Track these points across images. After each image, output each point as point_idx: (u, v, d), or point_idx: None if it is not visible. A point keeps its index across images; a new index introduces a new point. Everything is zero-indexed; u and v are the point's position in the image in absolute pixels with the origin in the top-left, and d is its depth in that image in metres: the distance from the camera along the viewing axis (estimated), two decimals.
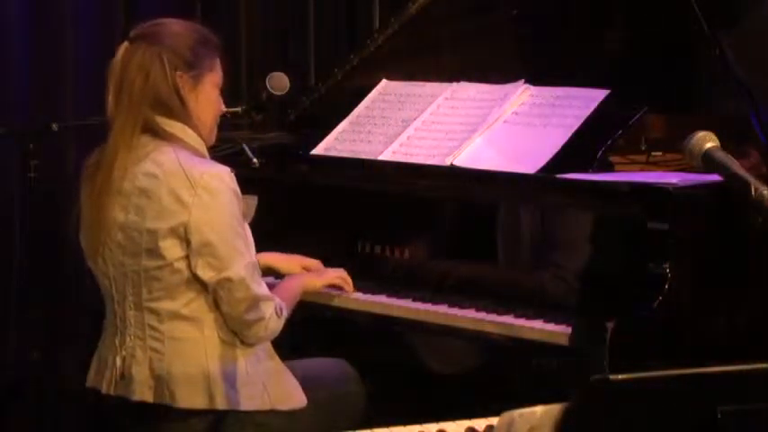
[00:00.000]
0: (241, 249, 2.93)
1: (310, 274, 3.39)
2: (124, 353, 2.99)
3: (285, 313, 3.02)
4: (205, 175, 2.90)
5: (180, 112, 2.96)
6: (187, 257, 2.90)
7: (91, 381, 3.09)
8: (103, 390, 3.02)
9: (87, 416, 3.99)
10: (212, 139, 3.09)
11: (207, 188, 2.89)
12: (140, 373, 2.96)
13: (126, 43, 2.98)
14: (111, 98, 2.97)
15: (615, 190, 3.12)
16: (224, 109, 3.11)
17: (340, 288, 3.41)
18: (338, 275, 3.40)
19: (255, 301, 2.93)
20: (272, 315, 2.96)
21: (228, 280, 2.90)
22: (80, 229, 3.02)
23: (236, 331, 2.97)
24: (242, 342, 2.98)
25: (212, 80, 3.02)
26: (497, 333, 3.14)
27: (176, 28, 3.00)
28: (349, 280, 3.41)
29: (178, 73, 2.95)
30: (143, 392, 2.96)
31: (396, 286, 3.40)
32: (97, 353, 3.09)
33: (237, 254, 2.92)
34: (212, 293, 2.93)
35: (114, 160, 2.93)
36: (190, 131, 2.99)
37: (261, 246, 3.03)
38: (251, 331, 2.96)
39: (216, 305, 2.95)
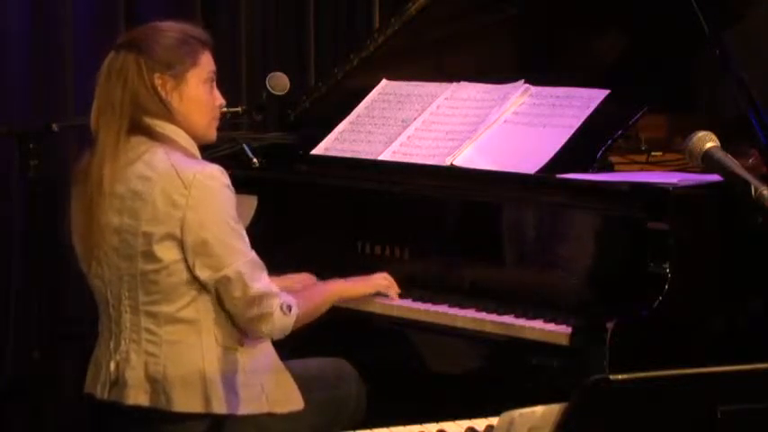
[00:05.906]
0: (238, 247, 2.92)
1: (347, 281, 3.30)
2: (118, 357, 2.97)
3: (295, 310, 2.96)
4: (198, 175, 2.88)
5: (163, 113, 2.95)
6: (184, 260, 2.89)
7: (88, 386, 3.07)
8: (98, 394, 3.01)
9: (86, 417, 3.98)
10: (211, 136, 3.06)
11: (200, 189, 2.88)
12: (134, 378, 2.94)
13: (112, 52, 2.99)
14: (95, 106, 2.97)
15: (615, 190, 3.12)
16: (222, 103, 3.08)
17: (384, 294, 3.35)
18: (385, 279, 3.35)
19: (256, 299, 2.91)
20: (277, 312, 2.94)
21: (226, 278, 2.89)
22: (73, 235, 3.02)
23: (243, 329, 2.96)
24: (240, 344, 2.97)
25: (197, 76, 2.99)
26: (497, 333, 3.13)
27: (157, 30, 2.99)
28: (395, 285, 3.36)
29: (156, 75, 2.94)
30: (137, 396, 2.95)
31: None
32: (93, 358, 3.08)
33: (234, 252, 2.91)
34: (214, 293, 2.93)
35: (102, 166, 2.91)
36: (181, 132, 2.97)
37: (260, 246, 3.01)
38: (255, 327, 2.93)
39: (215, 306, 2.94)
